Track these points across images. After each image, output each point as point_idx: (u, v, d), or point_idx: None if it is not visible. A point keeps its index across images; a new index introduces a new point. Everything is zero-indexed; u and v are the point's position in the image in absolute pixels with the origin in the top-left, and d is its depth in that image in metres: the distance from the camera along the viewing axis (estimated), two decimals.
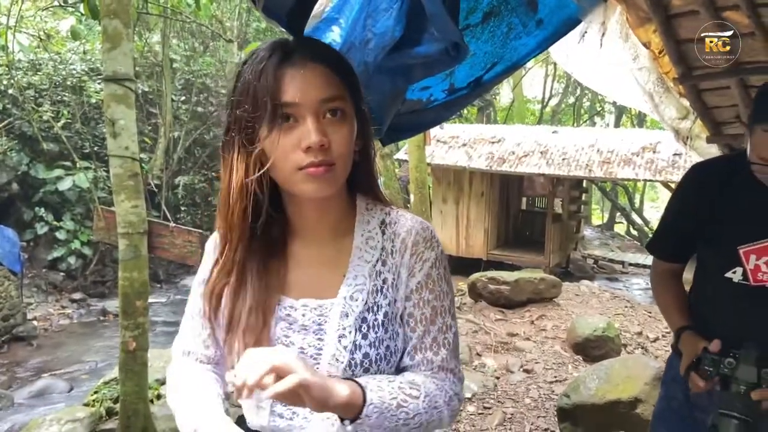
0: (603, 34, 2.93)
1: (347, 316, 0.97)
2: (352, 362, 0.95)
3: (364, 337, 0.96)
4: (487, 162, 11.23)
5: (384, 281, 0.99)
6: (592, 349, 5.87)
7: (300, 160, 0.90)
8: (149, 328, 3.71)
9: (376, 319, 0.97)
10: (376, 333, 0.97)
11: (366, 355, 0.96)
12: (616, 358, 4.18)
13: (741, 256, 1.44)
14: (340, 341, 0.96)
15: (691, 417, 1.54)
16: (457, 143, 11.88)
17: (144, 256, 3.62)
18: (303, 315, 0.99)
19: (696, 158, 5.31)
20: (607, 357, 5.81)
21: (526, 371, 5.31)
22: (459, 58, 1.79)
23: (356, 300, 0.98)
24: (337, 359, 0.95)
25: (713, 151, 4.45)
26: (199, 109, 13.19)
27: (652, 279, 1.76)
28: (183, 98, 13.17)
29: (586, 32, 2.89)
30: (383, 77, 1.68)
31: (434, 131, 11.86)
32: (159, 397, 5.41)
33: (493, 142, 11.87)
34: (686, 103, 3.84)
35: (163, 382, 5.89)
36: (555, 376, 5.18)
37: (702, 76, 3.48)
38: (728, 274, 1.47)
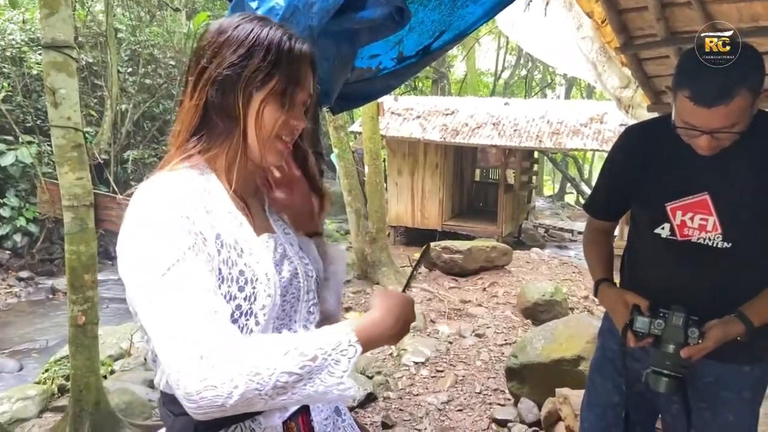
0: (547, 3, 2.98)
1: (292, 244, 1.10)
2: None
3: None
4: (441, 134, 11.31)
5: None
6: (541, 313, 6.09)
7: (283, 132, 1.00)
8: (99, 302, 3.65)
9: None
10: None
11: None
12: (560, 319, 4.35)
13: (668, 212, 1.53)
14: (302, 260, 1.09)
15: (625, 367, 1.64)
16: (411, 115, 11.90)
17: (90, 229, 3.55)
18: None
19: None
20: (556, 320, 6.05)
21: (478, 335, 5.48)
22: (403, 23, 1.81)
23: (290, 234, 1.12)
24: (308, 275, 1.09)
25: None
26: (147, 81, 12.77)
27: (585, 235, 1.85)
28: (130, 70, 12.72)
29: (531, 1, 2.95)
30: (328, 41, 1.69)
31: (388, 103, 11.85)
32: (112, 372, 5.36)
33: (446, 114, 11.94)
34: (628, 72, 3.96)
35: (116, 358, 5.83)
36: (505, 340, 5.37)
37: (642, 45, 3.60)
38: (657, 230, 1.56)
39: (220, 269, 0.90)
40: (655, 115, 4.56)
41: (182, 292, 0.82)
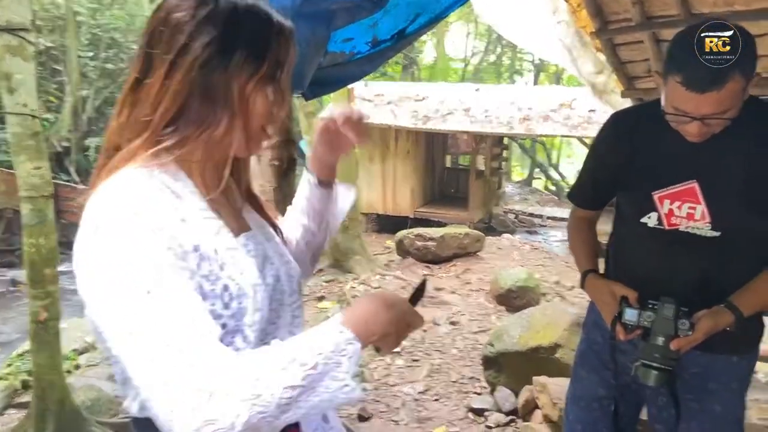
0: None
1: (269, 239, 1.00)
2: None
3: None
4: (412, 120, 11.24)
5: None
6: (514, 299, 6.11)
7: (268, 121, 0.90)
8: (61, 296, 3.49)
9: None
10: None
11: None
12: (537, 307, 4.36)
13: (656, 201, 1.49)
14: (282, 259, 1.00)
15: (612, 359, 1.60)
16: (382, 101, 11.80)
17: (50, 221, 3.38)
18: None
19: (611, 113, 5.53)
20: (528, 306, 6.05)
21: (452, 323, 5.46)
22: (381, 4, 1.73)
23: (264, 225, 1.03)
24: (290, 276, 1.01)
25: (627, 105, 4.62)
26: (109, 65, 12.40)
27: (569, 225, 1.81)
28: (90, 54, 12.31)
29: None
30: (303, 23, 1.60)
31: (358, 89, 11.71)
32: (77, 367, 5.19)
33: (417, 100, 11.86)
34: (602, 57, 3.94)
35: (81, 352, 5.65)
36: (479, 327, 5.37)
37: (617, 30, 3.57)
38: (644, 219, 1.52)
39: (201, 285, 0.78)
40: (629, 101, 4.58)
41: (166, 318, 0.70)
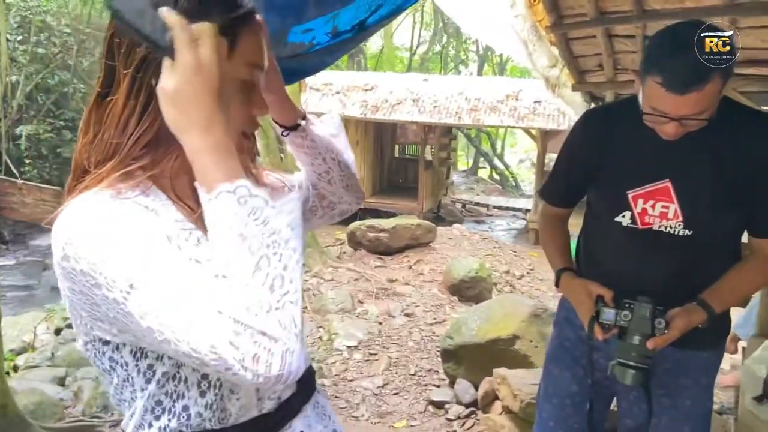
0: None
1: None
2: None
3: None
4: (361, 110, 11.17)
5: None
6: (467, 289, 6.18)
7: (246, 126, 0.83)
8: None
9: None
10: None
11: None
12: (495, 299, 4.41)
13: (630, 200, 1.50)
14: None
15: (587, 357, 1.61)
16: (330, 91, 11.67)
17: None
18: None
19: (561, 105, 5.62)
20: (481, 296, 6.16)
21: (407, 315, 5.47)
22: None
23: None
24: None
25: (577, 98, 4.71)
26: (40, 50, 11.73)
27: (540, 223, 1.81)
28: (20, 38, 11.61)
29: None
30: (272, 16, 1.51)
31: (308, 78, 11.53)
32: (15, 369, 4.91)
33: (366, 90, 11.79)
34: (556, 51, 4.00)
35: (19, 352, 5.35)
36: (434, 318, 5.39)
37: (572, 24, 3.62)
38: (618, 218, 1.52)
39: None
40: (579, 94, 4.67)
41: (166, 270, 0.66)
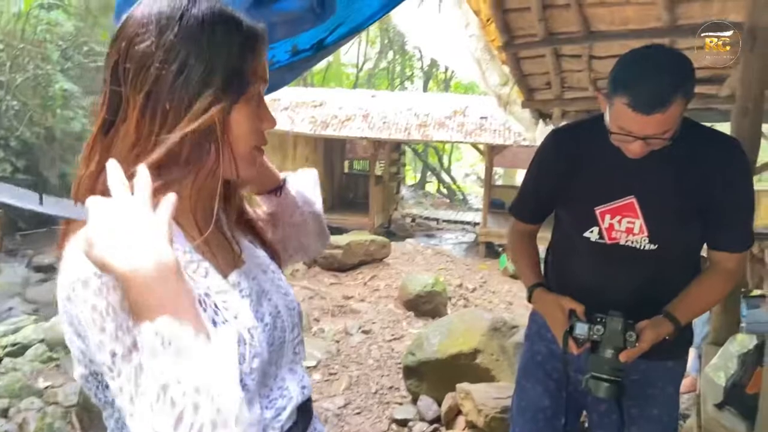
0: (441, 1, 2.97)
1: (265, 271, 0.92)
2: None
3: None
4: (310, 126, 11.13)
5: None
6: (423, 304, 6.20)
7: (258, 140, 0.81)
8: None
9: None
10: None
11: None
12: (454, 314, 4.44)
13: (597, 216, 1.54)
14: (279, 291, 0.90)
15: (560, 371, 1.64)
16: (278, 106, 11.59)
17: None
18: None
19: (508, 121, 5.75)
20: (437, 311, 6.19)
21: (365, 332, 5.44)
22: (324, 16, 1.66)
23: (259, 256, 0.95)
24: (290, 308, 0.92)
25: (526, 115, 4.84)
26: None
27: (510, 239, 1.84)
28: None
29: None
30: None
31: None
32: None
33: (315, 106, 11.78)
34: (507, 70, 4.11)
35: None
36: (392, 334, 5.38)
37: (522, 44, 3.74)
38: (586, 234, 1.57)
39: None
40: (528, 111, 4.80)
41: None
